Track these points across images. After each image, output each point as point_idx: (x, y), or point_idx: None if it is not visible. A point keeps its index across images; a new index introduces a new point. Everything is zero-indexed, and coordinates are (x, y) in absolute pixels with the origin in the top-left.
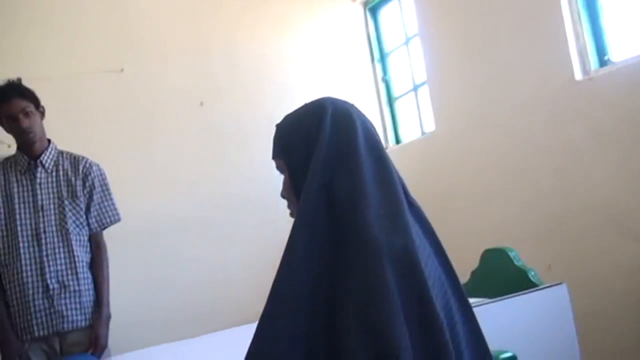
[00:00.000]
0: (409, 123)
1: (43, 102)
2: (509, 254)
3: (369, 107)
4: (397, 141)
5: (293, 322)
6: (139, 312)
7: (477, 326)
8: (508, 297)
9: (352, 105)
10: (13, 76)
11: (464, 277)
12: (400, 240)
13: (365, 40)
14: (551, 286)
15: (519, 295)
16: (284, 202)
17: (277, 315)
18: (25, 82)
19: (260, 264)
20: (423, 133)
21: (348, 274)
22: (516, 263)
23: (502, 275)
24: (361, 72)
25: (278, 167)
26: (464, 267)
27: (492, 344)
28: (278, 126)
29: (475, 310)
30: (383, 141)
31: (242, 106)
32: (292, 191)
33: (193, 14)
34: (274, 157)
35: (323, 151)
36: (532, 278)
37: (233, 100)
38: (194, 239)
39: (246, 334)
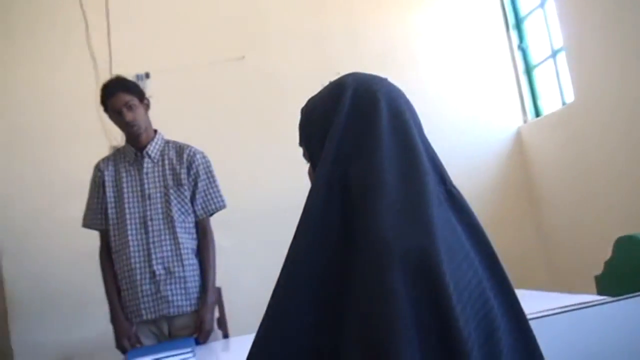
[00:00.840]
0: (548, 93)
1: (168, 94)
2: None
3: (504, 78)
4: (537, 113)
5: (292, 337)
6: (257, 295)
7: (528, 338)
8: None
9: (382, 82)
10: (140, 70)
11: (597, 268)
12: (416, 242)
13: (498, 5)
14: None
15: None
16: None
17: (274, 330)
18: (153, 75)
19: None
20: (564, 103)
21: (355, 282)
22: None
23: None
24: (494, 40)
25: (304, 155)
26: (597, 257)
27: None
28: (301, 110)
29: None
30: (521, 114)
31: None
32: None
33: None
34: (299, 145)
35: (337, 136)
36: None
37: None
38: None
39: None
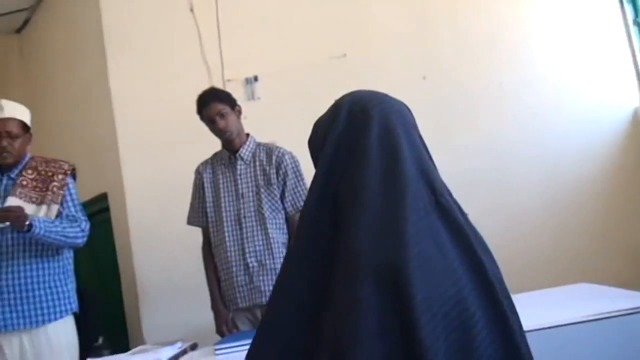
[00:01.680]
0: None
1: (275, 95)
2: None
3: (619, 55)
4: None
5: (283, 336)
6: None
7: (512, 347)
8: None
9: (378, 99)
10: (249, 74)
11: None
12: (387, 256)
13: None
14: None
15: None
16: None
17: (269, 329)
18: (261, 78)
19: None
20: None
21: (333, 289)
22: None
23: None
24: (608, 16)
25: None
26: None
27: None
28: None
29: None
30: (637, 93)
31: (468, 75)
32: None
33: None
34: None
35: (329, 154)
36: None
37: (458, 70)
38: None
39: None
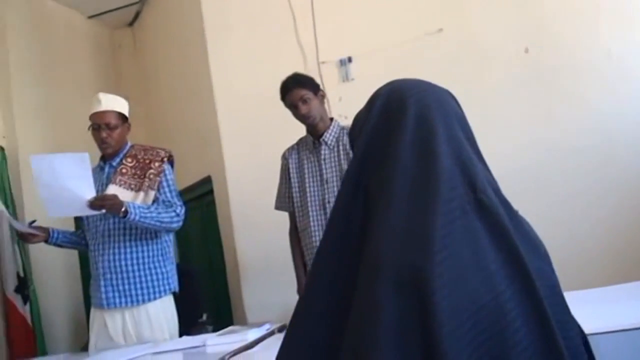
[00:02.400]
0: None
1: (370, 75)
2: None
3: None
4: None
5: (312, 337)
6: None
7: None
8: None
9: (417, 88)
10: (343, 55)
11: None
12: (410, 259)
13: None
14: None
15: None
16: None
17: (300, 323)
18: (355, 59)
19: (595, 219)
20: None
21: (356, 289)
22: None
23: None
24: None
25: None
26: None
27: None
28: None
29: None
30: None
31: (573, 45)
32: None
33: None
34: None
35: (362, 146)
36: None
37: (563, 40)
38: (523, 191)
39: None
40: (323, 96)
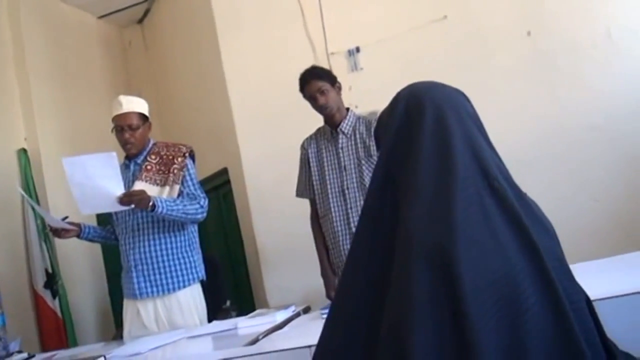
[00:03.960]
0: None
1: (376, 65)
2: None
3: None
4: None
5: (354, 312)
6: None
7: (565, 324)
8: None
9: (433, 90)
10: (351, 45)
11: None
12: (437, 238)
13: None
14: None
15: None
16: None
17: (342, 301)
18: (363, 48)
19: (610, 204)
20: None
21: (392, 268)
22: None
23: None
24: None
25: None
26: None
27: None
28: None
29: None
30: None
31: (574, 26)
32: None
33: None
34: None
35: (388, 145)
36: None
37: (564, 21)
38: (531, 177)
39: None
40: (340, 87)
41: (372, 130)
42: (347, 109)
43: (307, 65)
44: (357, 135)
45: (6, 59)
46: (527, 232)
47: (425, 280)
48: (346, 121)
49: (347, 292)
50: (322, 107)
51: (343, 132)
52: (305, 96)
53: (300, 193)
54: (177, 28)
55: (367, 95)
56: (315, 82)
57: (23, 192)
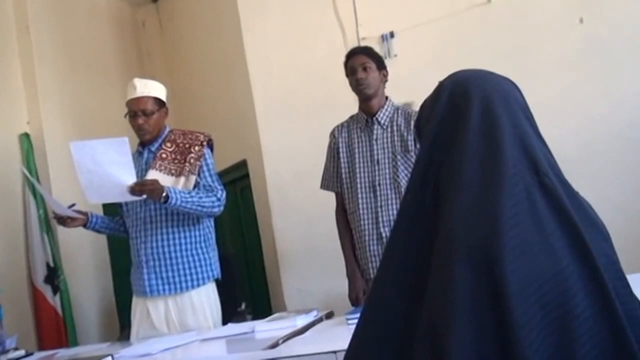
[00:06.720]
0: None
1: (412, 52)
2: None
3: None
4: None
5: (388, 315)
6: None
7: (617, 327)
8: None
9: (480, 80)
10: (385, 30)
11: None
12: (481, 237)
13: None
14: None
15: None
16: None
17: (376, 303)
18: (397, 34)
19: None
20: None
21: (431, 269)
22: None
23: None
24: None
25: None
26: None
27: None
28: None
29: None
30: None
31: (630, 14)
32: None
33: None
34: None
35: (431, 138)
36: None
37: (620, 8)
38: (581, 180)
39: None
40: (385, 75)
41: (412, 123)
42: (387, 98)
43: (336, 52)
44: (395, 127)
45: (9, 37)
46: (579, 233)
47: (467, 283)
48: (383, 110)
49: (381, 297)
50: (359, 82)
51: (379, 122)
52: (346, 70)
53: (325, 185)
54: (196, 8)
55: (400, 84)
56: (362, 57)
57: (28, 173)
